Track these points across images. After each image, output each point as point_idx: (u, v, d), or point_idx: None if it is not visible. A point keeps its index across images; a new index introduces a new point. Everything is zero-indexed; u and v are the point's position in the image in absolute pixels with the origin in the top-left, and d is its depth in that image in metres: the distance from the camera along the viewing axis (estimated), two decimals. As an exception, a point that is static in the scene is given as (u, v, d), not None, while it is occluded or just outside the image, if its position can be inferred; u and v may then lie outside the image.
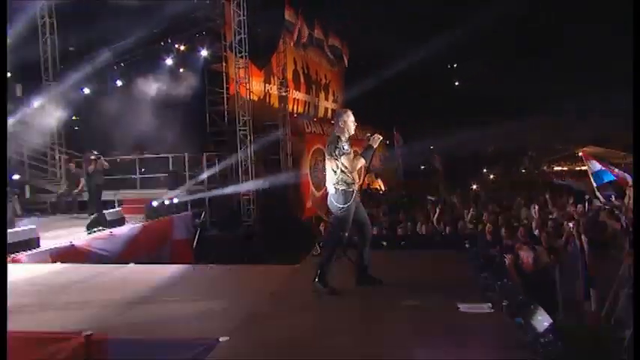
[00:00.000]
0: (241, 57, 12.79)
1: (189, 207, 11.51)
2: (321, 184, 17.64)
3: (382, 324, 3.64)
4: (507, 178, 20.68)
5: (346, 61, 23.11)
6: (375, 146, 4.41)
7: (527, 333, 2.99)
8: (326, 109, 22.29)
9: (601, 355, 3.64)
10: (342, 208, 4.33)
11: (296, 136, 15.87)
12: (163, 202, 10.92)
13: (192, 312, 4.01)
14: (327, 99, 22.38)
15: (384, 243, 6.08)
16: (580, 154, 7.95)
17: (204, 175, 12.21)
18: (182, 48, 15.52)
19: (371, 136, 4.43)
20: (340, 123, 4.45)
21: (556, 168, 25.67)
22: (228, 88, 15.48)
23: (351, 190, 4.35)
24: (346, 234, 4.42)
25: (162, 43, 14.82)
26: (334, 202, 4.37)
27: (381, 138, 4.41)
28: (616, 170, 8.16)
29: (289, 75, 17.04)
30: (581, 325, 3.96)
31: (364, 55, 24.01)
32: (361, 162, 4.34)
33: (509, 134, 22.44)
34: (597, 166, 8.06)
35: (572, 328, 3.27)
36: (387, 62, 26.76)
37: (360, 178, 4.50)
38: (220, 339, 3.16)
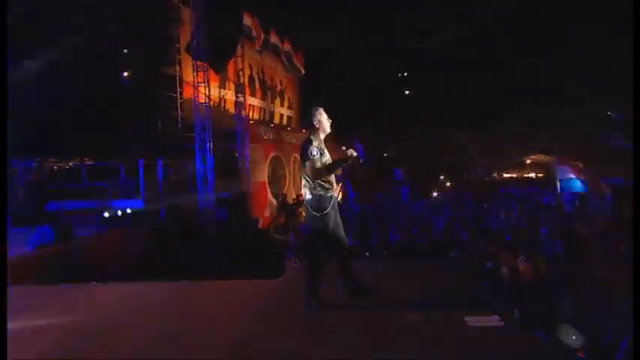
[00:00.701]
0: (200, 60, 12.26)
1: (144, 218, 10.84)
2: (279, 192, 17.34)
3: (390, 342, 3.41)
4: (463, 186, 21.27)
5: (302, 68, 22.96)
6: (345, 164, 4.14)
7: (555, 347, 2.86)
8: (281, 115, 21.99)
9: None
10: (320, 215, 4.05)
11: (254, 144, 15.44)
12: (116, 212, 10.23)
13: (176, 335, 3.61)
14: (282, 105, 22.08)
15: (367, 253, 5.89)
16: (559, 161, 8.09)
17: (160, 184, 11.54)
18: (131, 49, 14.68)
19: (347, 150, 4.17)
20: (315, 123, 4.21)
21: (505, 175, 26.85)
22: (181, 93, 14.88)
23: (329, 195, 4.11)
24: (325, 241, 4.13)
25: (109, 43, 13.94)
26: (310, 209, 4.10)
27: (355, 154, 4.08)
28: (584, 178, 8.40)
29: (245, 80, 16.60)
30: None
31: (320, 62, 24.05)
32: (323, 173, 4.04)
33: (462, 143, 23.17)
34: (567, 173, 8.28)
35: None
36: (341, 70, 26.97)
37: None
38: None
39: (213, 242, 11.56)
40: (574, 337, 2.82)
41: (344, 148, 4.18)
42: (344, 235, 4.24)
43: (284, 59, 21.75)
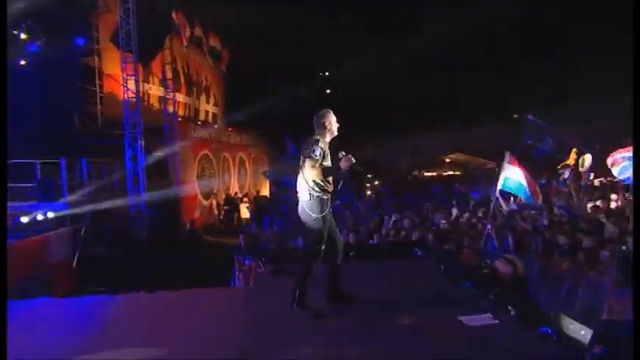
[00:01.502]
0: (129, 51, 11.40)
1: (67, 222, 9.85)
2: (209, 192, 16.75)
3: (389, 347, 3.35)
4: (395, 184, 21.93)
5: (226, 63, 22.37)
6: (342, 170, 4.05)
7: (563, 343, 2.99)
8: (207, 112, 21.23)
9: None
10: (318, 217, 3.96)
11: (183, 142, 14.73)
12: (35, 217, 9.21)
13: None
14: (207, 102, 21.32)
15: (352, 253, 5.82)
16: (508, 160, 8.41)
17: (86, 185, 10.56)
18: (46, 36, 13.29)
19: (345, 155, 4.08)
20: (326, 124, 4.08)
21: (426, 174, 28.24)
22: (101, 86, 13.78)
23: (326, 197, 4.01)
24: (323, 247, 4.04)
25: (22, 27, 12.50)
26: (308, 211, 3.96)
27: (353, 161, 3.96)
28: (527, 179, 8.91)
29: (169, 75, 15.78)
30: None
31: (245, 58, 23.54)
32: (320, 177, 3.90)
33: (388, 141, 23.93)
34: (511, 172, 8.63)
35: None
36: (267, 66, 26.63)
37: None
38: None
39: (144, 247, 10.86)
40: (583, 332, 2.97)
41: (343, 153, 4.03)
42: (340, 237, 4.14)
43: (208, 54, 21.05)
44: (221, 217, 16.54)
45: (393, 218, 8.55)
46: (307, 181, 3.92)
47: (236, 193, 18.33)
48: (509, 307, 3.68)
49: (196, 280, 7.93)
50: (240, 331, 3.70)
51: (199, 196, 15.93)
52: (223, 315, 4.15)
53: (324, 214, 3.95)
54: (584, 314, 4.37)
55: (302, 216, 4.03)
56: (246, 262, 7.71)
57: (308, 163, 3.87)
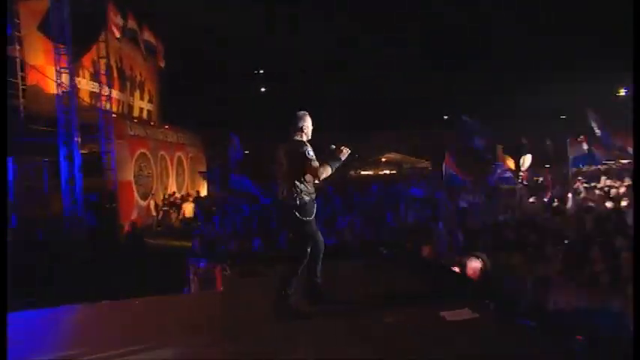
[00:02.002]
0: (62, 42, 10.61)
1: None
2: (147, 192, 15.98)
3: (377, 346, 3.39)
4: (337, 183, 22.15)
5: (162, 59, 21.47)
6: (342, 159, 4.11)
7: (546, 334, 3.19)
8: (141, 109, 20.26)
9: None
10: (308, 220, 4.00)
11: (119, 140, 13.92)
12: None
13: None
14: (142, 98, 20.34)
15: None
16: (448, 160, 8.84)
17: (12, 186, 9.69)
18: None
19: (337, 148, 4.13)
20: (304, 128, 4.08)
21: (363, 172, 28.87)
22: (24, 78, 12.71)
23: (313, 201, 4.05)
24: (309, 249, 4.06)
25: None
26: (299, 215, 3.97)
27: (349, 151, 4.10)
28: (464, 175, 9.43)
29: (103, 69, 14.87)
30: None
31: (180, 54, 22.82)
32: (328, 171, 4.00)
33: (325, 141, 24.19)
34: (451, 170, 9.16)
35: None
36: (203, 63, 25.97)
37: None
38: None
39: (86, 253, 10.16)
40: (560, 322, 3.20)
41: (333, 146, 4.06)
42: (322, 238, 4.16)
43: (142, 48, 20.08)
44: (159, 218, 15.86)
45: (348, 218, 8.69)
46: (298, 186, 3.92)
47: (174, 193, 17.68)
48: (488, 301, 3.87)
49: (144, 286, 7.58)
50: (229, 336, 3.59)
51: (136, 197, 15.19)
52: (203, 320, 3.99)
53: (312, 216, 3.99)
54: (533, 306, 4.69)
55: (290, 220, 4.01)
56: (201, 265, 7.49)
57: (312, 166, 3.88)
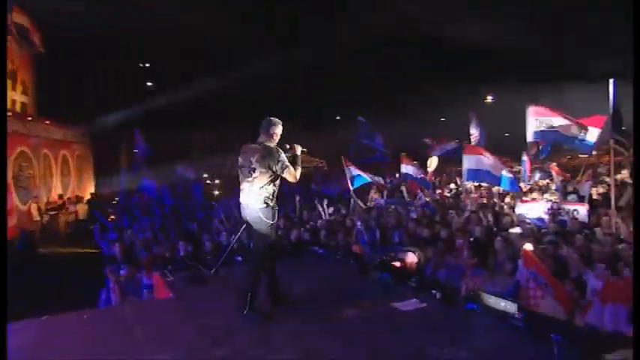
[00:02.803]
0: None
1: None
2: (27, 195, 14.35)
3: (346, 340, 3.63)
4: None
5: (38, 46, 19.35)
6: (298, 154, 4.39)
7: (491, 316, 3.75)
8: (14, 101, 18.03)
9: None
10: (272, 224, 4.18)
11: (-5, 136, 12.35)
12: None
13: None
14: (14, 89, 18.10)
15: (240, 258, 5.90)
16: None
17: None
18: None
19: (291, 146, 4.37)
20: (274, 135, 4.23)
21: None
22: None
23: (276, 205, 4.23)
24: (270, 251, 4.24)
25: None
26: (264, 218, 4.12)
27: (300, 147, 4.42)
28: (369, 175, 10.06)
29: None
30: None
31: (60, 41, 20.69)
32: (299, 171, 4.27)
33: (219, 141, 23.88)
34: (355, 171, 9.67)
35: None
36: (84, 52, 23.79)
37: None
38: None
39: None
40: (503, 304, 3.78)
41: (287, 146, 4.26)
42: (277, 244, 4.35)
43: (14, 32, 17.94)
44: (44, 224, 14.36)
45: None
46: (268, 190, 4.05)
47: (61, 196, 16.11)
48: (433, 291, 4.38)
49: (53, 298, 7.05)
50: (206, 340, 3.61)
51: (16, 200, 13.59)
52: (169, 327, 3.94)
53: (275, 220, 4.15)
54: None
55: (256, 223, 4.13)
56: (122, 272, 7.14)
57: (290, 171, 4.11)
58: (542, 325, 3.54)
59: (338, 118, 32.77)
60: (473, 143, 13.22)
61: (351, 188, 9.76)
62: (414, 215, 8.98)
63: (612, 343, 3.20)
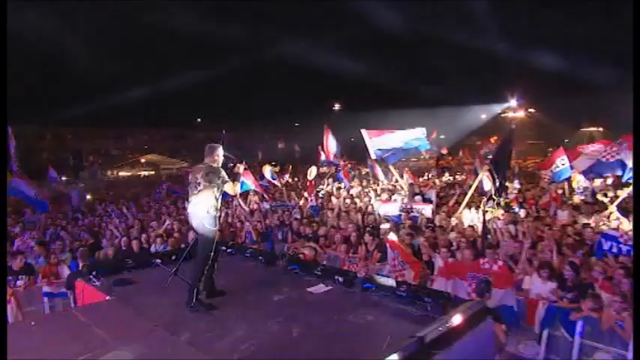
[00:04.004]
0: None
1: None
2: None
3: (283, 320, 4.53)
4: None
5: None
6: (240, 172, 5.24)
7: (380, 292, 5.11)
8: None
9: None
10: (214, 230, 4.95)
11: None
12: None
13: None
14: None
15: (159, 260, 6.39)
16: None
17: None
18: None
19: (233, 165, 5.22)
20: (215, 156, 4.98)
21: (121, 174, 27.08)
22: None
23: (218, 214, 5.03)
24: (212, 253, 5.01)
25: None
26: (207, 225, 4.88)
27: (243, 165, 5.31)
28: (253, 181, 11.06)
29: None
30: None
31: None
32: (238, 186, 5.10)
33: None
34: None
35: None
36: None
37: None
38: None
39: None
40: (390, 281, 5.14)
41: (231, 164, 5.05)
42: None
43: None
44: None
45: (168, 222, 9.22)
46: (210, 202, 4.80)
47: None
48: (337, 277, 5.60)
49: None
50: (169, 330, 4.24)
51: None
52: (127, 323, 4.44)
53: (217, 227, 4.94)
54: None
55: (200, 229, 4.85)
56: (17, 282, 7.06)
57: (230, 186, 4.93)
58: (415, 292, 5.00)
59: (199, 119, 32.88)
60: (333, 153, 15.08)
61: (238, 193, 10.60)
62: (297, 216, 10.19)
63: (456, 303, 4.70)
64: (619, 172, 10.34)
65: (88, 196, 16.50)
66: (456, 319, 4.11)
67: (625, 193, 10.45)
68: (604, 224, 9.23)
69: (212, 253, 4.97)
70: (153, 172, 26.72)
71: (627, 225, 8.80)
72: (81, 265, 7.19)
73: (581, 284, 6.29)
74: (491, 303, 5.60)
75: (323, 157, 16.69)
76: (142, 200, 15.50)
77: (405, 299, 4.88)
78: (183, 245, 8.25)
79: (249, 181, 10.64)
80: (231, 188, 5.02)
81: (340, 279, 5.56)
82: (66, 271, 7.48)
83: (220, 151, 5.05)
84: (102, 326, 4.29)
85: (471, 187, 11.00)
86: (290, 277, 5.89)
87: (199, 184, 4.84)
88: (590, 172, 10.94)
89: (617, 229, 8.29)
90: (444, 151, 23.09)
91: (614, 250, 6.79)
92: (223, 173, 4.93)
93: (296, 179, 19.43)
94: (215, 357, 3.72)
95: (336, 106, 37.00)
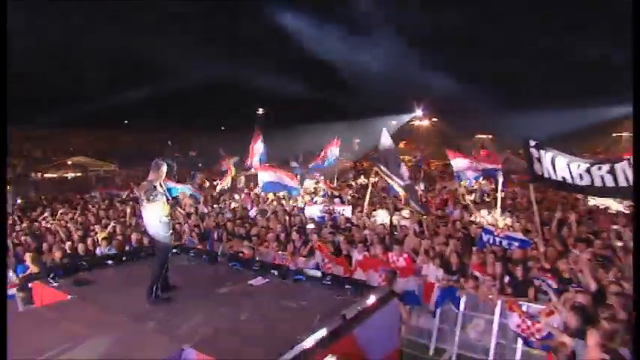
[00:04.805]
0: None
1: None
2: None
3: (229, 303, 5.24)
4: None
5: None
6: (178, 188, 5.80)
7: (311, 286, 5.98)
8: None
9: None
10: (167, 235, 5.51)
11: None
12: None
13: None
14: None
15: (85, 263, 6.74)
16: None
17: None
18: None
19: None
20: (160, 172, 5.46)
21: (47, 175, 25.30)
22: None
23: (169, 222, 5.59)
24: (169, 255, 5.58)
25: None
26: (162, 232, 5.43)
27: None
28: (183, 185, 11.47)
29: None
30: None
31: None
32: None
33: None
34: (171, 184, 10.94)
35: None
36: None
37: None
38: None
39: None
40: (318, 273, 6.00)
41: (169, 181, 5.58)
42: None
43: None
44: None
45: (111, 225, 9.38)
46: (159, 212, 5.31)
47: None
48: (272, 271, 6.37)
49: None
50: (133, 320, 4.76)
51: None
52: (96, 316, 4.87)
53: (170, 232, 5.50)
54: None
55: (157, 237, 5.39)
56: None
57: (160, 200, 5.32)
58: (339, 281, 5.93)
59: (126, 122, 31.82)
60: (257, 158, 15.55)
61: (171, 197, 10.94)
62: (228, 215, 10.79)
63: (370, 289, 5.67)
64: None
65: (19, 200, 15.67)
66: (370, 301, 5.07)
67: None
68: (483, 219, 10.87)
69: (169, 254, 5.52)
70: (81, 174, 25.47)
71: (502, 222, 10.48)
72: (31, 268, 7.26)
73: (464, 269, 7.61)
74: (397, 288, 6.67)
75: (249, 161, 17.03)
76: (74, 203, 15.07)
77: (330, 287, 5.79)
78: (127, 247, 8.58)
79: (179, 185, 10.98)
80: (163, 208, 5.36)
81: (275, 272, 6.36)
82: (11, 275, 7.51)
83: (165, 167, 5.50)
84: (72, 321, 4.71)
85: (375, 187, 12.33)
86: (232, 273, 6.56)
87: (144, 200, 5.32)
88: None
89: (494, 225, 9.85)
90: None
91: (491, 241, 8.22)
92: (158, 190, 5.32)
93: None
94: (179, 340, 4.33)
95: (260, 110, 37.82)
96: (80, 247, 8.28)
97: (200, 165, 24.66)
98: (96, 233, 9.36)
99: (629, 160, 6.77)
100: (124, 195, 15.90)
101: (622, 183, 6.91)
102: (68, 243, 8.60)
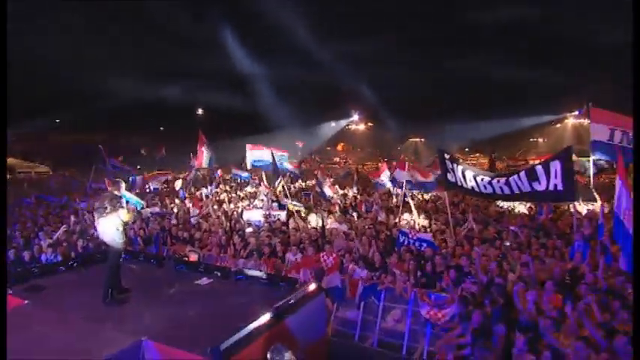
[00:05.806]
0: None
1: None
2: None
3: (180, 302, 5.98)
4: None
5: None
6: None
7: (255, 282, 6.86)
8: None
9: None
10: (121, 242, 6.18)
11: None
12: None
13: None
14: None
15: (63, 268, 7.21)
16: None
17: None
18: None
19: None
20: (119, 186, 6.18)
21: None
22: None
23: (125, 230, 6.25)
24: (121, 259, 6.24)
25: None
26: (117, 239, 6.10)
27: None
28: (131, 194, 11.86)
29: None
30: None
31: None
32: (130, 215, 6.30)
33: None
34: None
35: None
36: None
37: None
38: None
39: None
40: (257, 273, 6.87)
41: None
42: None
43: None
44: None
45: (64, 228, 9.67)
46: (118, 220, 5.98)
47: None
48: (215, 272, 7.16)
49: None
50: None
51: None
52: (60, 317, 5.41)
53: (124, 239, 6.16)
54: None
55: (112, 244, 6.02)
56: None
57: (122, 213, 6.01)
58: (274, 279, 6.85)
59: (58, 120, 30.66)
60: (206, 160, 16.19)
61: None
62: (174, 221, 11.35)
63: (301, 285, 6.63)
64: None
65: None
66: (300, 295, 6.04)
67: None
68: (406, 222, 12.26)
69: (121, 259, 6.18)
70: (9, 176, 24.15)
71: (419, 224, 11.92)
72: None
73: (385, 266, 8.81)
74: (324, 284, 7.70)
75: (195, 162, 17.38)
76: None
77: (267, 285, 6.70)
78: (73, 254, 8.93)
79: (129, 194, 11.42)
80: (125, 215, 6.14)
81: (218, 273, 7.15)
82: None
83: (123, 184, 6.25)
84: (35, 323, 5.25)
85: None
86: (178, 275, 7.26)
87: (107, 208, 5.98)
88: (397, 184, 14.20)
89: (413, 227, 11.22)
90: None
91: (406, 242, 9.51)
92: (115, 202, 6.08)
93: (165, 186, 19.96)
94: (137, 335, 5.02)
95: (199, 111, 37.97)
96: (26, 255, 8.51)
97: (139, 167, 24.44)
98: (39, 241, 9.55)
99: (542, 163, 8.49)
100: (63, 201, 15.71)
101: (516, 191, 8.78)
102: (12, 250, 8.78)
